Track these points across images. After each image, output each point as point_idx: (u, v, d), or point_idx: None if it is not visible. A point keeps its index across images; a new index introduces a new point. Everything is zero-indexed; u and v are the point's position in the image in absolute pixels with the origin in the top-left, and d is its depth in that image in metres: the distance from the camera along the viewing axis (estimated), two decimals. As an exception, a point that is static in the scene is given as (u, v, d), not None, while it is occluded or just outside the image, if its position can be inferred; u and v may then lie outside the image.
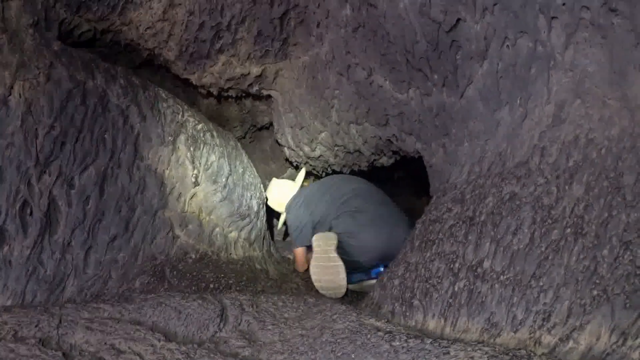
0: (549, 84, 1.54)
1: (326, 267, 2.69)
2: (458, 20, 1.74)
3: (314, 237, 2.87)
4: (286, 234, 3.72)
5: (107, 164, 2.14)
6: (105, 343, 1.47)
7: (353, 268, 2.83)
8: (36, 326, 1.54)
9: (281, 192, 3.42)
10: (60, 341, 1.49)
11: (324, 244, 2.77)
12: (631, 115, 1.37)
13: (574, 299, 1.23)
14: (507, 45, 1.64)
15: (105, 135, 2.14)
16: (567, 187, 1.39)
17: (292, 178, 3.93)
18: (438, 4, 1.76)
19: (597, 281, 1.23)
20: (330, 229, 3.02)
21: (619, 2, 1.34)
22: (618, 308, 1.17)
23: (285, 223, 3.41)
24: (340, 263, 2.66)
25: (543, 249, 1.35)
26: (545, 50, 1.54)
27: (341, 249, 2.88)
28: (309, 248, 3.20)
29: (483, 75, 1.77)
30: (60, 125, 2.00)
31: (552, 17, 1.47)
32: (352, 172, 3.52)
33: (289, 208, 3.33)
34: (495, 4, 1.59)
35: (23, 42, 1.99)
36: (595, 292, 1.21)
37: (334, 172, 3.60)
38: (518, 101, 1.65)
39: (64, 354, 1.41)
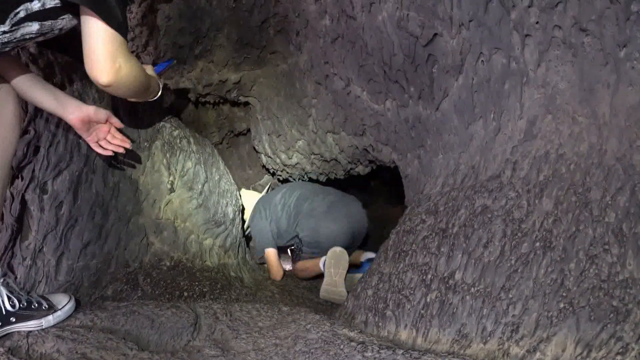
0: (521, 100, 1.58)
1: (333, 298, 2.89)
2: (435, 35, 1.77)
3: (328, 254, 3.04)
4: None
5: (82, 169, 2.11)
6: (76, 352, 1.45)
7: None
8: (5, 334, 1.52)
9: (247, 203, 3.66)
10: (30, 350, 1.46)
11: (334, 272, 2.96)
12: (599, 131, 1.41)
13: (541, 311, 1.26)
14: (482, 61, 1.68)
15: (80, 140, 2.11)
16: (537, 202, 1.43)
17: (269, 185, 4.00)
18: (416, 18, 1.79)
19: (564, 294, 1.26)
20: (296, 236, 3.34)
21: (589, 22, 1.38)
22: (583, 320, 1.20)
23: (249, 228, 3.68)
24: (345, 295, 2.83)
25: (513, 261, 1.37)
26: (519, 67, 1.57)
27: (315, 247, 3.25)
28: (280, 250, 3.36)
29: (458, 89, 1.80)
30: (35, 129, 1.97)
31: (526, 35, 1.51)
32: (328, 180, 3.58)
33: (251, 219, 3.55)
34: (471, 20, 1.63)
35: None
36: (562, 305, 1.24)
37: (310, 179, 3.64)
38: (492, 115, 1.69)
39: (33, 363, 1.39)
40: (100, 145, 1.97)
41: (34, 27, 1.41)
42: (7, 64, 1.60)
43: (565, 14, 1.42)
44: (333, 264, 2.94)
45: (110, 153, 2.00)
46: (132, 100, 1.94)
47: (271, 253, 3.30)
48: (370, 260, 3.35)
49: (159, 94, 2.02)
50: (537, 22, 1.48)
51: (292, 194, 3.46)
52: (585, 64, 1.44)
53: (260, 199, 3.61)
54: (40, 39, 1.50)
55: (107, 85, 1.52)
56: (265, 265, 3.43)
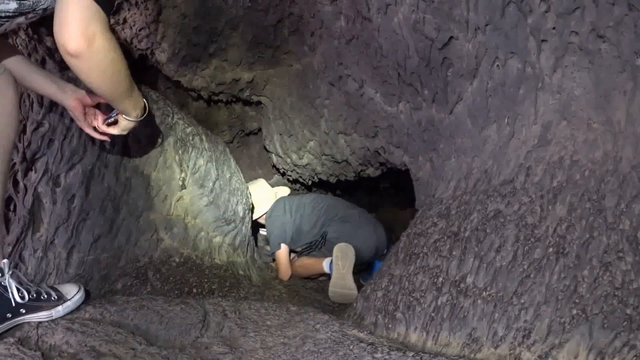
0: (536, 105, 1.58)
1: (343, 294, 2.90)
2: (450, 38, 1.77)
3: (335, 249, 3.08)
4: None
5: (94, 163, 2.12)
6: (85, 344, 1.46)
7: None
8: (15, 325, 1.53)
9: (263, 195, 3.68)
10: (39, 341, 1.47)
11: (342, 265, 2.99)
12: (614, 139, 1.40)
13: (554, 317, 1.26)
14: (497, 65, 1.67)
15: (94, 135, 2.13)
16: (550, 207, 1.42)
17: (278, 184, 4.02)
18: (431, 21, 1.79)
19: (577, 300, 1.25)
20: (321, 237, 3.40)
21: (606, 29, 1.38)
22: (596, 328, 1.20)
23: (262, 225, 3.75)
24: (355, 292, 2.85)
25: (525, 267, 1.37)
26: (534, 72, 1.57)
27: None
28: (292, 252, 3.39)
29: (472, 93, 1.80)
30: (49, 122, 1.98)
31: (542, 40, 1.51)
32: (339, 182, 3.59)
33: (270, 213, 3.57)
34: (487, 24, 1.63)
35: (16, 36, 1.97)
36: (574, 311, 1.24)
37: (320, 180, 3.65)
38: (506, 120, 1.68)
39: (43, 354, 1.39)
40: (96, 130, 1.84)
41: (11, 5, 1.27)
42: (4, 50, 1.55)
43: (583, 20, 1.41)
44: (340, 257, 2.97)
45: (106, 138, 1.86)
46: (108, 101, 1.66)
47: (284, 250, 3.34)
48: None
49: (145, 114, 1.79)
50: (553, 28, 1.48)
51: (323, 200, 3.63)
52: (602, 71, 1.43)
53: (286, 197, 3.70)
54: (21, 19, 1.35)
55: (75, 54, 1.26)
56: (273, 264, 3.44)
